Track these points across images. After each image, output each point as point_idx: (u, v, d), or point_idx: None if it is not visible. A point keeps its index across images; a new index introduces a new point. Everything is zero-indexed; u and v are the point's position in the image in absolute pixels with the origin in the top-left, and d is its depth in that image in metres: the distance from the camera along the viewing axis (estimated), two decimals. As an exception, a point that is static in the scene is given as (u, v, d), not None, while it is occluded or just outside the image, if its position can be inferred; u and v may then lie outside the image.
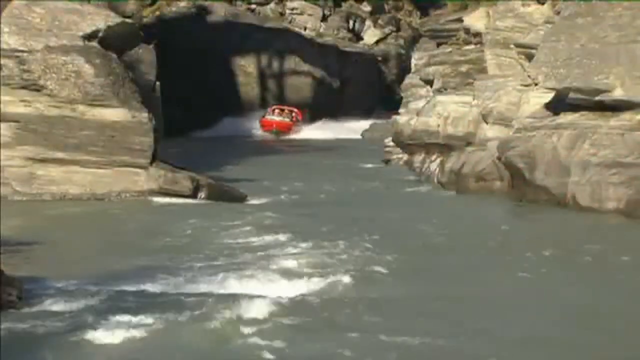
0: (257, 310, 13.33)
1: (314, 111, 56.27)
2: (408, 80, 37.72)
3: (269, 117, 54.69)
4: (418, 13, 61.90)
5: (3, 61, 24.57)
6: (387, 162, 35.73)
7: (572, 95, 24.39)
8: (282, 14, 61.32)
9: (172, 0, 57.71)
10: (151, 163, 24.74)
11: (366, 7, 64.21)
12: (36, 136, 24.52)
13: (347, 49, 60.52)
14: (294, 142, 50.55)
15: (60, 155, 24.49)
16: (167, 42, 42.94)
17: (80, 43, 25.20)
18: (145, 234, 20.25)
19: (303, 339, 12.25)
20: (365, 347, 11.97)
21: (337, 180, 30.56)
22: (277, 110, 55.41)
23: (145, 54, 31.08)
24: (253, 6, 60.59)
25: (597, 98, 23.89)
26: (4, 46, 24.70)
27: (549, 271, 16.82)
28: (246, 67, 56.82)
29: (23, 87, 24.64)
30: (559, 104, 25.16)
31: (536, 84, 26.06)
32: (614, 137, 23.44)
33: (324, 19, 62.25)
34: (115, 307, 13.14)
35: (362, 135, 52.82)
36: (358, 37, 63.19)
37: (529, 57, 27.74)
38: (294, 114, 55.46)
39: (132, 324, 12.50)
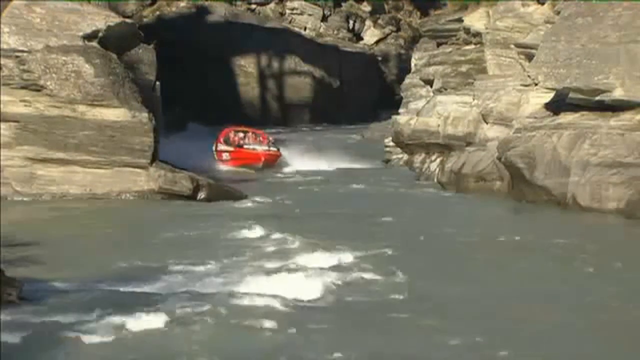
0: (259, 310, 13.33)
1: (314, 111, 56.21)
2: (408, 80, 37.70)
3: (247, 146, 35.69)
4: (418, 13, 61.81)
5: (3, 61, 24.57)
6: (387, 162, 35.72)
7: (572, 95, 24.40)
8: (282, 14, 61.30)
9: (172, 0, 57.71)
10: (151, 163, 24.75)
11: (366, 7, 64.16)
12: (36, 136, 24.51)
13: (347, 49, 60.48)
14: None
15: (60, 155, 24.49)
16: (167, 42, 42.85)
17: (80, 43, 25.20)
18: (145, 234, 20.25)
19: (310, 339, 12.25)
20: (373, 347, 11.99)
21: (337, 180, 30.53)
22: (248, 135, 36.71)
23: (145, 54, 31.06)
24: (253, 6, 60.57)
25: (597, 98, 23.89)
26: (4, 46, 24.70)
27: (549, 271, 16.84)
28: (246, 67, 56.77)
29: (23, 87, 24.63)
30: (559, 104, 25.17)
31: (536, 84, 26.05)
32: (614, 137, 23.45)
33: (324, 19, 62.22)
34: (116, 306, 13.13)
35: (362, 135, 52.78)
36: (358, 37, 63.15)
37: (529, 57, 27.74)
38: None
39: (133, 323, 12.50)
